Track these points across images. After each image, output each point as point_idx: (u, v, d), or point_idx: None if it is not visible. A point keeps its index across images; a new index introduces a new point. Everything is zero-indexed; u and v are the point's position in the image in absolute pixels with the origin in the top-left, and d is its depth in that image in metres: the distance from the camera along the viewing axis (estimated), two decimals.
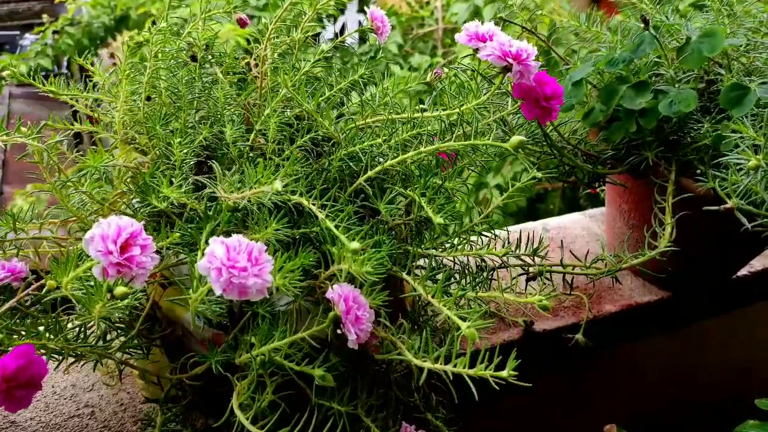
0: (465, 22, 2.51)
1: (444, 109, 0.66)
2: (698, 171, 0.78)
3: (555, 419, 1.06)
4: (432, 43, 4.56)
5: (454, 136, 0.64)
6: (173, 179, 0.59)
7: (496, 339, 0.84)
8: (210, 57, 0.81)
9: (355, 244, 0.49)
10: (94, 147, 0.64)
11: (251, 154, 0.67)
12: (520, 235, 0.72)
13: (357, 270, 0.49)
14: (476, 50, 0.62)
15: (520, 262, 0.76)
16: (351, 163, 0.66)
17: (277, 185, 0.49)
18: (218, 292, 0.45)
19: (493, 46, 0.59)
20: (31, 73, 0.69)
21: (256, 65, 0.79)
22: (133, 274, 0.46)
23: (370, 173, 0.63)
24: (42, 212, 0.70)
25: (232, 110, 0.74)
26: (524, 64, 0.59)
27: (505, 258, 0.68)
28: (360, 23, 4.81)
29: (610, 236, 1.02)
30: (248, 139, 0.67)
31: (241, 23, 0.83)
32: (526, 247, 0.72)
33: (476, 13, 2.81)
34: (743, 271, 1.01)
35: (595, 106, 0.82)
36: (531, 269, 0.77)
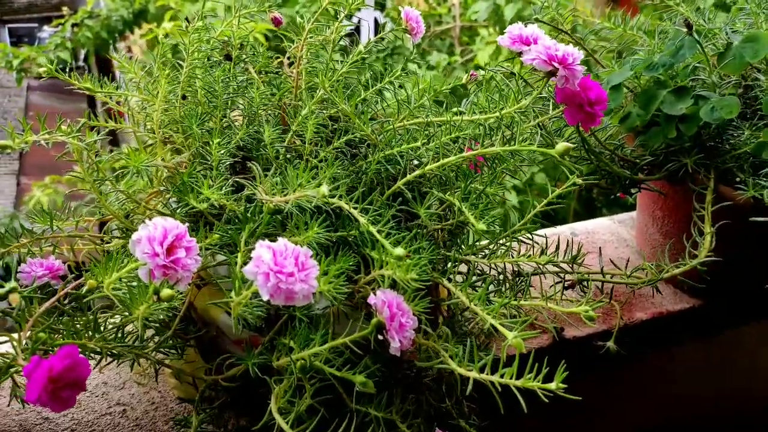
0: (485, 20, 2.47)
1: (483, 112, 0.66)
2: (738, 179, 0.76)
3: (587, 423, 1.05)
4: (449, 41, 4.54)
5: (495, 140, 0.63)
6: (212, 180, 0.58)
7: (527, 346, 0.83)
8: (244, 56, 0.81)
9: (399, 250, 0.48)
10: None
11: (288, 156, 0.66)
12: (558, 242, 0.71)
13: (401, 276, 0.48)
14: (519, 53, 0.61)
15: (556, 269, 0.75)
16: (388, 166, 0.65)
17: (324, 190, 0.48)
18: (266, 297, 0.44)
19: (538, 50, 0.59)
20: (56, 68, 0.69)
21: (291, 64, 0.79)
22: (179, 277, 0.46)
23: (409, 177, 0.62)
24: (76, 209, 0.70)
25: (268, 110, 0.73)
26: (570, 69, 0.58)
27: (545, 265, 0.67)
28: (376, 20, 4.80)
29: (640, 242, 1.01)
30: (284, 140, 0.67)
31: (276, 22, 0.83)
32: (565, 253, 0.71)
33: (496, 12, 2.79)
34: None
35: (632, 110, 0.81)
36: (569, 276, 0.76)
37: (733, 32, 0.82)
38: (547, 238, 0.70)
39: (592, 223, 1.11)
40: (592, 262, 1.02)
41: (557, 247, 0.70)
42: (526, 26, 0.63)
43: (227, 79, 0.74)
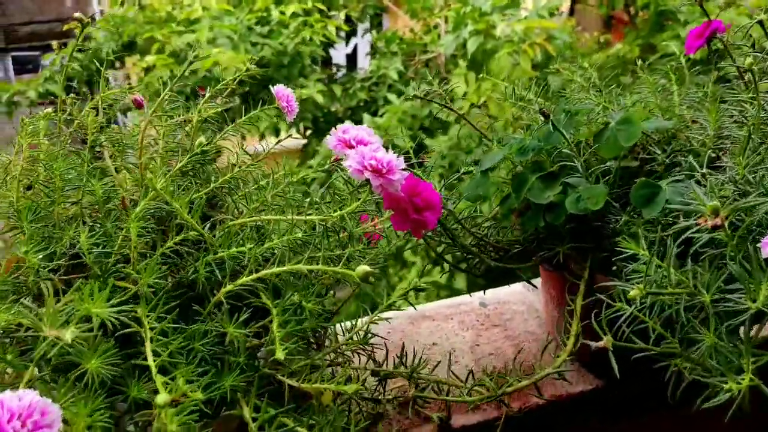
0: (452, 56, 2.46)
1: (319, 213, 0.62)
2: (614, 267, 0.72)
3: None
4: (435, 69, 4.53)
5: (324, 245, 0.60)
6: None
7: None
8: (103, 140, 0.78)
9: (162, 398, 0.44)
10: None
11: (116, 266, 0.62)
12: (404, 349, 0.66)
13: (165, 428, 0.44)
14: (341, 159, 0.58)
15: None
16: (218, 271, 0.61)
17: (67, 336, 0.44)
18: None
19: (353, 158, 0.55)
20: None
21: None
22: None
23: (227, 287, 0.58)
24: None
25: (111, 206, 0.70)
26: (386, 179, 0.54)
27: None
28: (372, 45, 4.79)
29: (545, 316, 0.96)
30: (113, 245, 0.63)
31: (137, 104, 0.80)
32: (402, 358, 0.66)
33: (464, 45, 2.77)
34: None
35: (511, 192, 0.77)
36: (400, 384, 0.70)
37: (617, 110, 0.78)
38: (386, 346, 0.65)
39: (505, 291, 1.07)
40: (496, 336, 0.97)
41: (402, 353, 0.65)
42: (353, 126, 0.60)
43: (72, 170, 0.71)
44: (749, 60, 0.73)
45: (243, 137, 0.83)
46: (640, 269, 0.58)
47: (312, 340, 0.58)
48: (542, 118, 0.67)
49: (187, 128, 0.81)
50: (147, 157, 0.71)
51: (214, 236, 0.65)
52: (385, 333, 0.95)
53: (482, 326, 0.98)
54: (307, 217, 0.62)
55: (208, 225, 0.65)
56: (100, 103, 0.83)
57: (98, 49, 4.71)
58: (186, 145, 0.79)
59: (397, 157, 0.64)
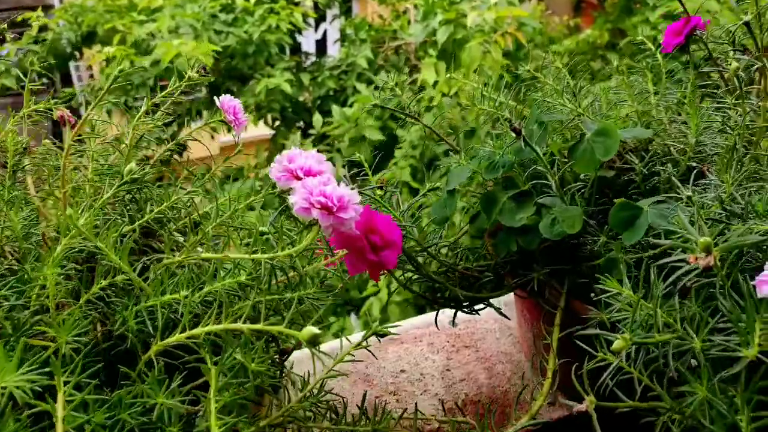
0: (423, 42, 2.37)
1: (264, 252, 0.55)
2: (593, 294, 0.66)
3: None
4: (405, 56, 4.45)
5: (251, 299, 0.52)
6: None
7: None
8: (26, 164, 0.70)
9: None
10: None
11: (36, 318, 0.55)
12: (364, 398, 0.60)
13: None
14: (287, 191, 0.51)
15: None
16: (150, 322, 0.54)
17: None
18: None
19: (299, 193, 0.48)
20: None
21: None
22: None
23: (157, 346, 0.51)
24: None
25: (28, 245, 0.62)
26: (337, 218, 0.47)
27: None
28: (342, 31, 4.68)
29: (520, 336, 0.91)
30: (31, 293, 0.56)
31: (62, 120, 0.71)
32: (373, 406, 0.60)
33: (434, 34, 2.69)
34: None
35: (480, 206, 0.71)
36: None
37: (591, 117, 0.72)
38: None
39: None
40: (468, 359, 0.92)
41: (362, 403, 0.58)
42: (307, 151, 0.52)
43: None
44: (735, 65, 0.67)
45: (214, 130, 0.76)
46: (623, 308, 0.52)
47: (257, 400, 0.51)
48: (514, 135, 0.60)
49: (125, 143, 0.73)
50: (72, 185, 0.63)
51: (147, 279, 0.57)
52: (348, 364, 0.88)
53: (453, 348, 0.92)
54: (253, 256, 0.55)
55: (139, 266, 0.58)
56: (24, 118, 0.75)
57: (57, 40, 4.53)
58: (120, 167, 0.71)
59: (352, 185, 0.57)
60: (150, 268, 0.59)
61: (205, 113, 3.91)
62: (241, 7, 4.16)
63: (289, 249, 0.52)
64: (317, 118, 3.72)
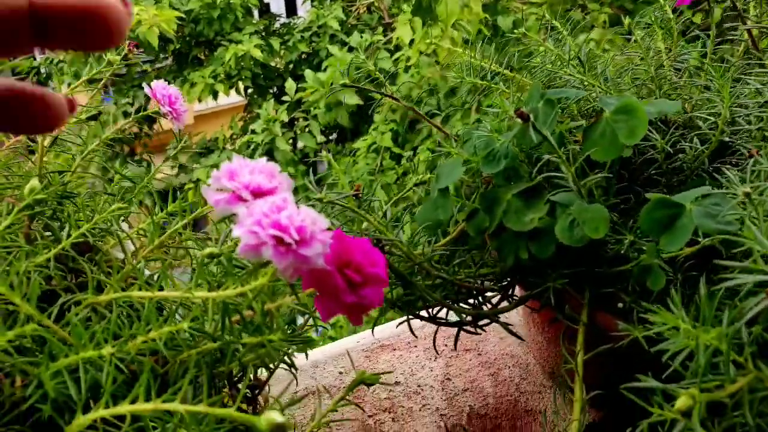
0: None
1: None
2: (621, 304, 0.55)
3: None
4: (377, 14, 4.26)
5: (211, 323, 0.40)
6: None
7: None
8: None
9: None
10: None
11: None
12: None
13: None
14: (231, 216, 0.38)
15: None
16: (72, 385, 0.42)
17: None
18: None
19: (244, 222, 0.35)
20: None
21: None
22: None
23: (79, 421, 0.39)
24: None
25: None
26: (298, 255, 0.35)
27: None
28: None
29: (528, 337, 0.80)
30: None
31: None
32: None
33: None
34: None
35: (479, 206, 0.58)
36: None
37: (608, 94, 0.60)
38: None
39: None
40: (470, 365, 0.81)
41: None
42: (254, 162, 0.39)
43: None
44: None
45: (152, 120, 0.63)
46: (671, 335, 0.41)
47: None
48: (519, 120, 0.48)
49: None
50: None
51: (67, 325, 0.45)
52: (336, 375, 0.77)
53: (452, 352, 0.81)
54: (197, 295, 0.42)
55: (56, 309, 0.45)
56: None
57: None
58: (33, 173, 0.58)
59: (321, 193, 0.45)
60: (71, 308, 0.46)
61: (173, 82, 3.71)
62: None
63: (239, 287, 0.40)
64: (290, 84, 3.55)
